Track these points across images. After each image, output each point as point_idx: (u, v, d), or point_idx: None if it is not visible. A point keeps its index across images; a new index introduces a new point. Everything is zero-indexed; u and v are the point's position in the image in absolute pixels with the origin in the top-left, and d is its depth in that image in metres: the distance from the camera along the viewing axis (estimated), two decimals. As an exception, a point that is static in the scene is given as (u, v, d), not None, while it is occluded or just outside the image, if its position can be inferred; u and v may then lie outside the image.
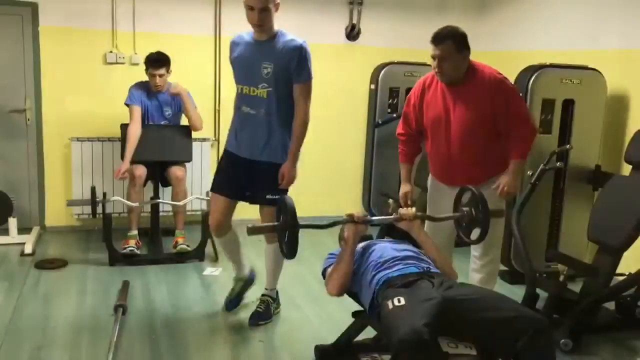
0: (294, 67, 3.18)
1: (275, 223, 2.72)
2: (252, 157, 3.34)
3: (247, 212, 3.69)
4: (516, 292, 4.23)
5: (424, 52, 5.91)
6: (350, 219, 2.85)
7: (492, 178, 3.37)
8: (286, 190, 3.35)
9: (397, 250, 2.85)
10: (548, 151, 4.12)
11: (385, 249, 2.86)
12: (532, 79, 4.19)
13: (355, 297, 2.91)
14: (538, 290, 3.76)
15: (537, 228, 4.37)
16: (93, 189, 4.37)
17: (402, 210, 3.01)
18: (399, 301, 2.30)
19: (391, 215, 3.09)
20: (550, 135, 4.26)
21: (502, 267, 4.49)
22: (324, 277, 3.00)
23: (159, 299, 3.88)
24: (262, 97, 3.23)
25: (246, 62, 3.26)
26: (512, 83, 3.36)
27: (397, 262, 2.72)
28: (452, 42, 3.14)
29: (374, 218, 3.16)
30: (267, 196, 3.33)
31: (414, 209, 3.01)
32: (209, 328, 3.54)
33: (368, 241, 3.04)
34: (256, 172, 3.35)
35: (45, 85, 4.97)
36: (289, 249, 2.63)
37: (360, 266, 2.84)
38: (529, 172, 4.15)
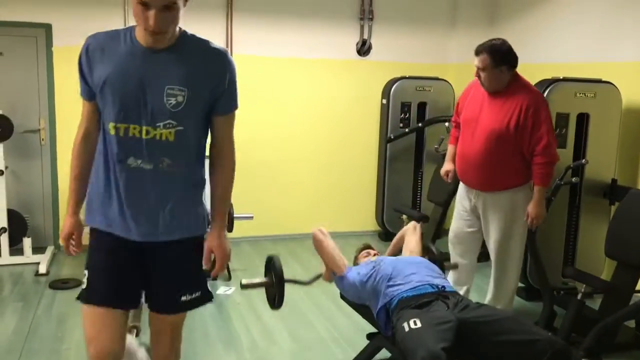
0: (220, 92, 2.06)
1: (266, 280, 3.09)
2: (151, 237, 2.07)
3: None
4: (533, 309, 4.18)
5: (436, 66, 6.00)
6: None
7: (509, 190, 3.46)
8: (205, 286, 2.20)
9: (410, 263, 2.83)
10: (563, 166, 4.08)
11: (397, 262, 2.85)
12: (546, 92, 4.15)
13: (364, 311, 2.91)
14: (556, 308, 3.71)
15: (553, 244, 4.31)
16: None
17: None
18: (415, 323, 2.28)
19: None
20: (565, 150, 4.21)
21: (519, 284, 4.45)
22: (342, 298, 3.03)
23: (173, 319, 3.87)
24: (165, 140, 2.00)
25: (133, 85, 1.97)
26: (548, 112, 3.42)
27: (410, 278, 2.69)
28: (488, 55, 3.28)
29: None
30: (182, 298, 2.14)
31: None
32: (223, 348, 3.52)
33: (377, 256, 3.04)
34: (160, 261, 2.12)
35: (59, 105, 5.02)
36: (278, 302, 2.97)
37: (370, 278, 2.82)
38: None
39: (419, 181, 5.78)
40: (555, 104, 4.15)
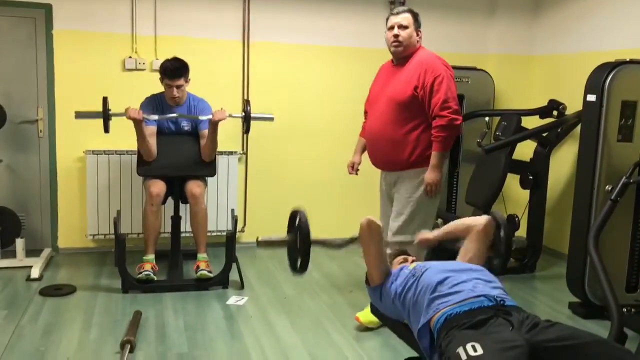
0: None
1: (286, 237, 2.57)
2: None
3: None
4: (592, 328, 3.59)
5: (474, 56, 5.44)
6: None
7: (414, 169, 3.39)
8: None
9: (460, 270, 2.26)
10: (629, 162, 3.52)
11: (444, 268, 2.29)
12: (609, 78, 3.58)
13: (401, 330, 2.36)
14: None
15: (616, 252, 3.71)
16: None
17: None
18: (474, 349, 1.72)
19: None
20: (632, 144, 3.63)
21: (574, 299, 3.86)
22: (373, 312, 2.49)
23: (175, 333, 3.35)
24: None
25: None
26: (451, 80, 3.35)
27: (460, 288, 2.14)
28: (410, 14, 3.39)
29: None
30: None
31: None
32: (229, 370, 3.00)
33: (417, 263, 2.48)
34: None
35: (59, 93, 4.56)
36: (302, 266, 2.47)
37: (408, 288, 2.28)
38: (608, 187, 3.55)
39: (455, 182, 5.22)
40: (620, 90, 3.58)
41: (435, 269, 2.29)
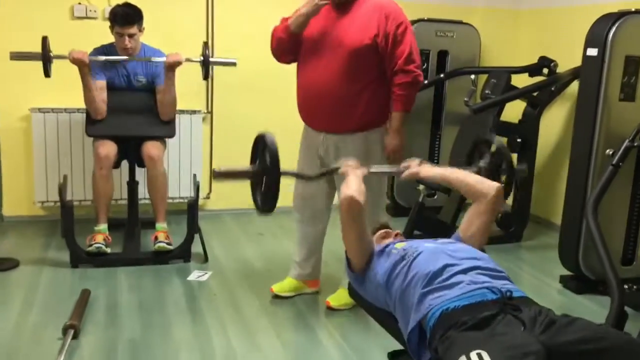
0: None
1: (252, 168, 2.18)
2: None
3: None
4: (585, 305, 3.39)
5: (459, 9, 5.04)
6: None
7: (364, 131, 2.93)
8: None
9: (458, 254, 1.91)
10: (632, 124, 3.22)
11: (438, 250, 1.93)
12: (612, 30, 3.22)
13: (385, 319, 2.03)
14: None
15: (613, 223, 3.42)
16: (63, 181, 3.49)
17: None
18: (480, 357, 1.38)
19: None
20: (634, 103, 3.31)
21: (566, 272, 3.59)
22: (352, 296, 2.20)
23: (127, 314, 2.98)
24: None
25: None
26: (412, 29, 2.90)
27: (458, 278, 1.79)
28: None
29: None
30: None
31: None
32: (187, 354, 2.64)
33: (406, 242, 2.12)
34: None
35: (-1, 44, 4.06)
36: (269, 203, 2.08)
37: (396, 273, 1.93)
38: (609, 151, 3.24)
39: (437, 145, 4.88)
40: (625, 44, 3.25)
41: (429, 252, 1.92)
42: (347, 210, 2.03)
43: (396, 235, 2.27)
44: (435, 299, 1.75)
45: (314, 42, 2.90)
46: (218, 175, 2.19)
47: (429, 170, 2.26)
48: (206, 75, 3.70)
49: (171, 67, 3.56)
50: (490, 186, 2.08)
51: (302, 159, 3.13)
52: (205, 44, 3.69)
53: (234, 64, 3.78)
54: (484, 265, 1.86)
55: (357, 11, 2.85)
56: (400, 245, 2.05)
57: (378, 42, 2.80)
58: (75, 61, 3.43)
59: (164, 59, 3.59)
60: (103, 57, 3.57)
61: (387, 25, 2.79)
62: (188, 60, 3.62)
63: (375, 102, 2.91)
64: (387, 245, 2.10)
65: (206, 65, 3.62)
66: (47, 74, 3.46)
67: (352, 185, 2.08)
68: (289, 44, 2.94)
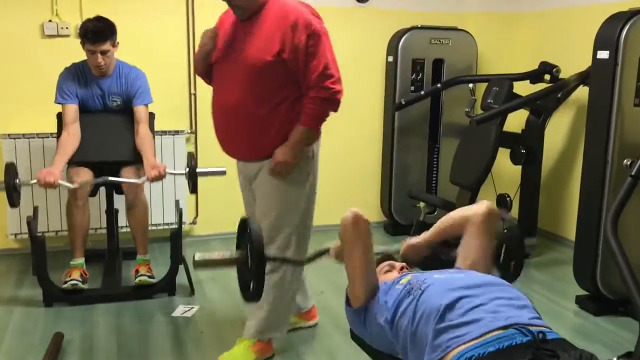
0: None
1: (234, 255, 2.00)
2: None
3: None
4: (605, 327, 3.15)
5: (452, 16, 4.83)
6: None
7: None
8: None
9: (470, 285, 1.64)
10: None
11: (448, 280, 1.68)
12: (624, 30, 2.99)
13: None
14: None
15: (630, 237, 3.17)
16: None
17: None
18: None
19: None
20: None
21: (582, 292, 3.33)
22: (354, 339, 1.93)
23: (104, 359, 2.69)
24: None
25: None
26: (328, 38, 2.50)
27: (478, 314, 1.52)
28: None
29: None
30: None
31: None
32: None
33: (411, 274, 1.85)
34: None
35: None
36: (256, 291, 1.89)
37: (404, 313, 1.66)
38: (627, 162, 3.00)
39: (435, 159, 4.63)
40: (638, 46, 3.01)
41: (439, 284, 1.66)
42: (353, 224, 1.80)
43: (401, 269, 2.01)
44: (454, 339, 1.49)
45: (219, 58, 2.57)
46: (199, 264, 2.02)
47: (421, 236, 2.04)
48: (193, 189, 3.31)
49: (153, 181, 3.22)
50: (478, 206, 1.90)
51: (243, 194, 2.80)
52: (191, 155, 3.32)
53: (223, 173, 3.24)
54: (505, 295, 1.60)
55: (262, 22, 2.47)
56: (405, 279, 1.78)
57: (285, 57, 2.41)
58: (47, 185, 3.07)
59: (145, 178, 3.20)
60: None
61: (294, 37, 2.39)
62: (171, 174, 3.29)
63: (290, 124, 2.50)
64: (393, 281, 1.83)
65: (193, 178, 3.23)
66: (12, 204, 3.05)
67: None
68: (204, 70, 2.67)
